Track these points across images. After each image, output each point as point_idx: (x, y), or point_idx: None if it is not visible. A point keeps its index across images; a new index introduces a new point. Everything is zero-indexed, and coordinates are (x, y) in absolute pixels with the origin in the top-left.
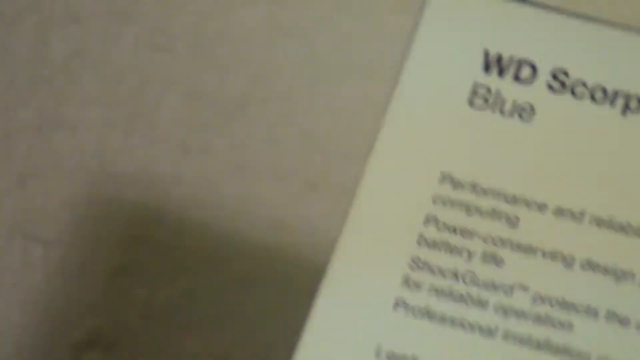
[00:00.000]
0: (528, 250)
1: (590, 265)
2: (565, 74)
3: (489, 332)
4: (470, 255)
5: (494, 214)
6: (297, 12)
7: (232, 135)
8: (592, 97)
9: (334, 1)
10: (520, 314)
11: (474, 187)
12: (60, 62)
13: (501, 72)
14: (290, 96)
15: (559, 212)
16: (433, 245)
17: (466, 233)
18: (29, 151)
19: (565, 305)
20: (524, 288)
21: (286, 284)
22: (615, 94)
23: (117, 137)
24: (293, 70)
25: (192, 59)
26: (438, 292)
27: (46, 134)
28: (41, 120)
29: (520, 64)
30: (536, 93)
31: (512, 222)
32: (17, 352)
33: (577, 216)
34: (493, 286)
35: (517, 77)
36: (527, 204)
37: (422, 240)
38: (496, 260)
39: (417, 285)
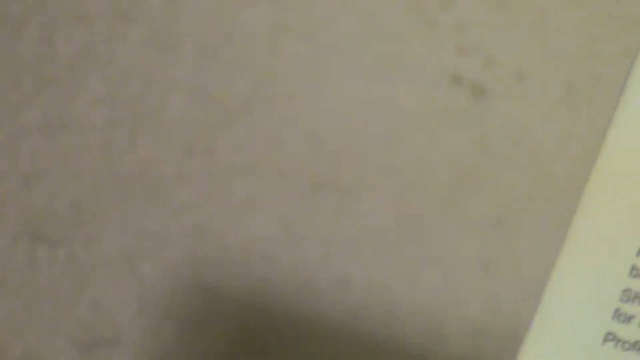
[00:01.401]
0: None
1: None
2: None
3: None
4: None
5: None
6: (301, 12)
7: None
8: None
9: (339, 1)
10: None
11: None
12: (65, 62)
13: None
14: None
15: None
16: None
17: None
18: (35, 151)
19: None
20: None
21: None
22: None
23: (123, 137)
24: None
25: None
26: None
27: (52, 134)
28: (46, 121)
29: None
30: None
31: None
32: (24, 353)
33: None
34: None
35: None
36: None
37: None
38: None
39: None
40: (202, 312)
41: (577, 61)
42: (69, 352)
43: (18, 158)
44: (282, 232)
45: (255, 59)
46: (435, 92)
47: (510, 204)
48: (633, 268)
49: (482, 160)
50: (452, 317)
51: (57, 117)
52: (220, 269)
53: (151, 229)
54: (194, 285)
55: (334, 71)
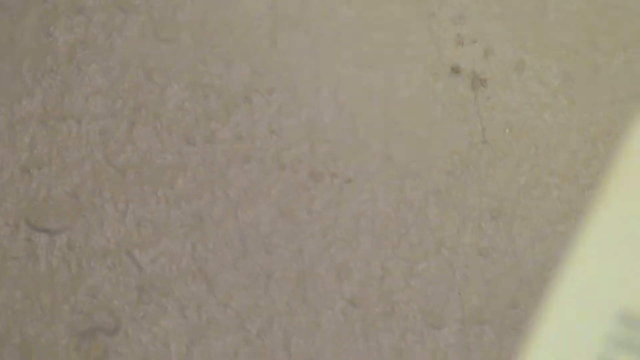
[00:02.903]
0: None
1: None
2: None
3: None
4: None
5: None
6: (301, 1)
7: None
8: None
9: None
10: None
11: None
12: (65, 53)
13: None
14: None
15: None
16: None
17: None
18: (34, 141)
19: None
20: None
21: None
22: None
23: (122, 127)
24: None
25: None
26: None
27: (51, 124)
28: (46, 111)
29: None
30: None
31: None
32: (23, 341)
33: None
34: None
35: None
36: None
37: None
38: None
39: None
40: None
41: (575, 52)
42: (67, 339)
43: (17, 147)
44: (281, 220)
45: (255, 48)
46: (435, 83)
47: (509, 193)
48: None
49: (481, 150)
50: (450, 304)
51: (57, 107)
52: (220, 257)
53: (150, 218)
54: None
55: (333, 61)
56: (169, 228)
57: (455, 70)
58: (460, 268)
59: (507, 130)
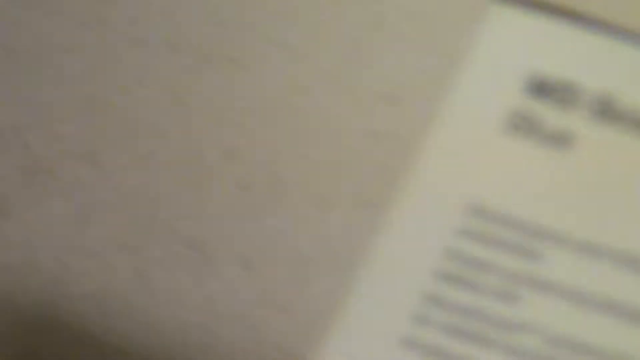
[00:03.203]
0: (547, 287)
1: (610, 307)
2: (612, 101)
3: None
4: (485, 290)
5: (518, 247)
6: None
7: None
8: (638, 127)
9: None
10: (530, 355)
11: (501, 219)
12: None
13: (543, 96)
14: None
15: (588, 249)
16: (448, 279)
17: (486, 267)
18: None
19: (580, 348)
20: (538, 328)
21: None
22: None
23: (14, 8)
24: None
25: None
26: (449, 329)
27: None
28: None
29: (563, 88)
30: (578, 120)
31: (536, 256)
32: None
33: (606, 255)
34: (506, 325)
35: (559, 102)
36: (555, 238)
37: (438, 273)
38: (513, 297)
39: (428, 322)
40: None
41: None
42: None
43: None
44: (172, 103)
45: None
46: None
47: (401, 77)
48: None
49: (374, 34)
50: (339, 186)
51: None
52: (110, 140)
53: (40, 100)
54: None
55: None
56: (58, 110)
57: None
58: (351, 152)
59: (401, 14)
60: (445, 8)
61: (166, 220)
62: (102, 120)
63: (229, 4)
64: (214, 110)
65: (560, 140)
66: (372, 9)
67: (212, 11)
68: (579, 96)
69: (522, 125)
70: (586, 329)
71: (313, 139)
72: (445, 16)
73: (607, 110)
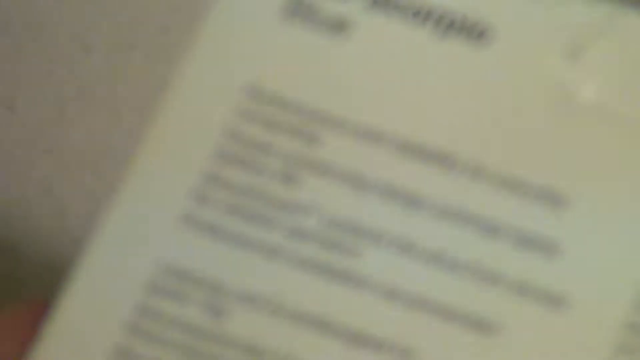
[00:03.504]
0: (326, 171)
1: (387, 192)
2: None
3: (273, 253)
4: (266, 172)
5: (297, 131)
6: None
7: None
8: (414, 17)
9: None
10: (308, 237)
11: (279, 102)
12: None
13: None
14: None
15: (365, 134)
16: (228, 159)
17: (266, 149)
18: None
19: (356, 230)
20: (316, 210)
21: None
22: (439, 17)
23: None
24: None
25: None
26: (228, 208)
27: None
28: None
29: None
30: (355, 8)
31: (314, 140)
32: None
33: (380, 139)
34: (285, 206)
35: None
36: (332, 123)
37: (218, 153)
38: (292, 179)
39: (207, 200)
40: None
41: None
42: None
43: None
44: None
45: None
46: None
47: None
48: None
49: None
50: (100, 29)
51: None
52: None
53: None
54: None
55: None
56: None
57: None
58: None
59: None
60: None
61: None
62: None
63: None
64: None
65: (337, 26)
66: None
67: None
68: None
69: (300, 12)
70: (364, 212)
71: None
72: None
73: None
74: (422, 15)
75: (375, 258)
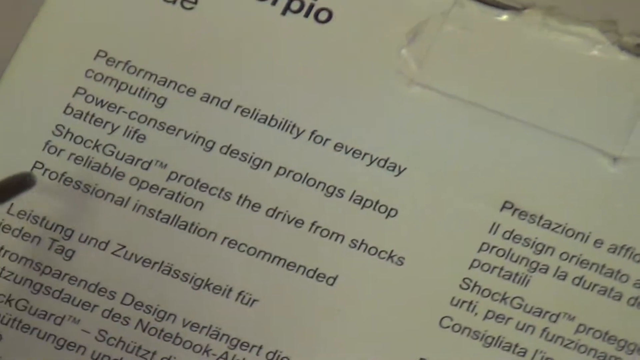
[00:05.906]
0: (171, 130)
1: (229, 151)
2: None
3: (121, 202)
4: (114, 128)
5: (143, 92)
6: None
7: None
8: None
9: None
10: (154, 189)
11: (128, 66)
12: None
13: None
14: None
15: (206, 97)
16: (79, 115)
17: (113, 107)
18: None
19: (200, 185)
20: (162, 165)
21: None
22: None
23: None
24: None
25: None
26: (77, 160)
27: None
28: None
29: None
30: None
31: (160, 102)
32: None
33: (224, 104)
34: (132, 159)
35: None
36: (177, 87)
37: (69, 110)
38: (138, 136)
39: (56, 152)
40: None
41: None
42: None
43: None
44: None
45: None
46: None
47: None
48: (68, 106)
49: None
50: None
51: None
52: None
53: None
54: None
55: None
56: None
57: None
58: None
59: None
60: None
61: None
62: None
63: None
64: None
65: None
66: None
67: None
68: None
69: None
70: (208, 169)
71: None
72: None
73: None
74: None
75: (219, 211)
